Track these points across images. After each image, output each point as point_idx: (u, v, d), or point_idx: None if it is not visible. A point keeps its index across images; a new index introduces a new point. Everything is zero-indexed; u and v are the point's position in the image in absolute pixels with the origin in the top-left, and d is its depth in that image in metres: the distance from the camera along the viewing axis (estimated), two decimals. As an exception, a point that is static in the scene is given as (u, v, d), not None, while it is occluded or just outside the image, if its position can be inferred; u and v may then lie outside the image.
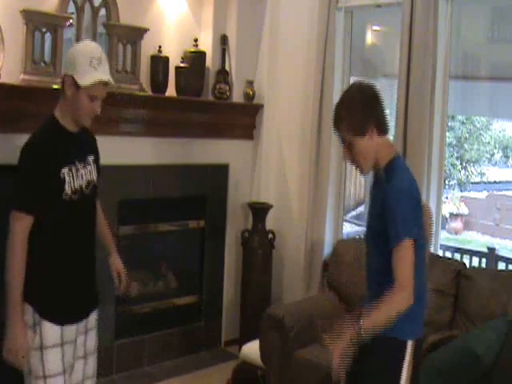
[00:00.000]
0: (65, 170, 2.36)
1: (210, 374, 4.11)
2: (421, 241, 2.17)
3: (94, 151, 2.58)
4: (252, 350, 3.66)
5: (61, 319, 2.38)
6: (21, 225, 2.30)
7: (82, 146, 2.49)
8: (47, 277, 2.39)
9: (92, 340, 2.57)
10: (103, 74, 2.34)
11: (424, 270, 2.26)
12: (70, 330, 2.41)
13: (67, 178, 2.36)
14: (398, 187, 2.12)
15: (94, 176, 2.51)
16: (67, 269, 2.43)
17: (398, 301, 2.06)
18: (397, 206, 2.09)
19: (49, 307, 2.37)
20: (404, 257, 2.07)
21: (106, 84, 2.37)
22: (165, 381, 3.96)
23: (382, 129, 2.20)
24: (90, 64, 2.30)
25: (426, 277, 2.29)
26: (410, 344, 2.16)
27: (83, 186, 2.43)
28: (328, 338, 2.11)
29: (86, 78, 2.29)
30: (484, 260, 5.49)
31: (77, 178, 2.41)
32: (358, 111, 2.15)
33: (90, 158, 2.51)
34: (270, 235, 4.44)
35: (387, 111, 2.27)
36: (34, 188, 2.31)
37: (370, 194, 2.37)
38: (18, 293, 2.30)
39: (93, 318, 2.57)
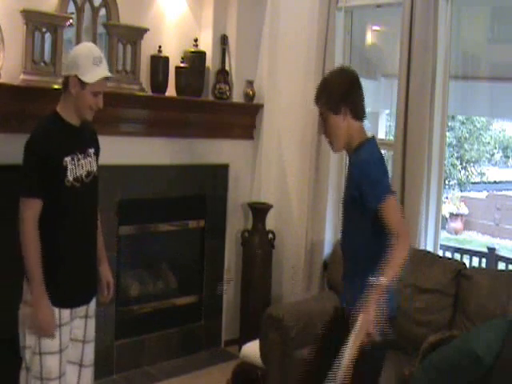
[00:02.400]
0: (67, 159, 2.51)
1: (210, 374, 4.11)
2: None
3: (95, 144, 2.73)
4: (252, 349, 3.66)
5: (62, 302, 2.52)
6: (31, 210, 2.45)
7: (83, 139, 2.64)
8: (50, 261, 2.50)
9: (92, 328, 2.70)
10: (105, 70, 2.56)
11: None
12: (67, 311, 2.55)
13: (69, 166, 2.52)
14: (367, 159, 2.34)
15: (94, 167, 2.66)
16: (69, 254, 2.56)
17: (401, 249, 2.19)
18: (370, 173, 2.30)
19: (50, 290, 2.49)
20: (391, 210, 2.26)
21: (106, 79, 2.60)
22: (165, 381, 3.96)
23: (357, 113, 2.39)
24: (93, 62, 2.49)
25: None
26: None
27: (83, 175, 2.57)
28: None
29: (90, 76, 2.48)
30: (484, 260, 5.49)
31: (78, 166, 2.55)
32: (335, 90, 2.36)
33: (91, 151, 2.66)
34: (270, 235, 4.44)
35: (365, 100, 2.44)
36: (39, 174, 2.45)
37: (346, 179, 2.52)
38: (39, 274, 2.44)
39: (92, 304, 2.71)
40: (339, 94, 2.35)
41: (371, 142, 2.43)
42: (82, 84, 2.48)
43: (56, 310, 2.50)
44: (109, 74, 2.58)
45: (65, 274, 2.55)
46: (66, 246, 2.55)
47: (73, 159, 2.53)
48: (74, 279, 2.58)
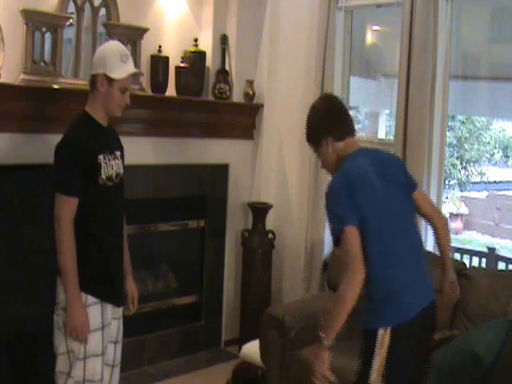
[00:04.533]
0: (101, 157, 2.57)
1: (210, 374, 4.11)
2: (374, 228, 2.25)
3: (120, 147, 2.77)
4: (252, 349, 3.66)
5: (106, 297, 2.58)
6: (69, 208, 2.47)
7: (110, 141, 2.70)
8: (88, 260, 2.53)
9: (121, 329, 2.77)
10: (132, 66, 2.63)
11: (399, 261, 2.31)
12: (107, 313, 2.58)
13: (103, 164, 2.56)
14: (330, 186, 2.33)
15: (121, 169, 2.70)
16: (104, 249, 2.59)
17: (343, 291, 2.19)
18: (326, 206, 2.31)
19: (92, 286, 2.53)
20: (344, 245, 2.22)
21: (133, 75, 2.68)
22: (165, 381, 3.96)
23: (340, 136, 2.41)
24: (120, 59, 2.56)
25: (403, 265, 2.33)
26: (381, 332, 2.24)
27: (113, 175, 2.62)
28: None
29: (118, 72, 2.55)
30: (484, 260, 5.49)
31: (109, 166, 2.60)
32: (312, 126, 2.46)
33: (118, 153, 2.70)
34: (270, 235, 4.44)
35: (348, 119, 2.49)
36: (76, 173, 2.49)
37: None
38: (74, 274, 2.46)
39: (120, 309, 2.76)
40: (316, 129, 2.45)
41: (357, 153, 2.41)
42: (110, 81, 2.54)
43: (99, 309, 2.53)
44: (136, 70, 2.67)
45: (105, 269, 2.60)
46: (100, 243, 2.58)
47: (105, 158, 2.57)
48: (113, 275, 2.64)
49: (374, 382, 2.26)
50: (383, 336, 2.25)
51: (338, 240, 2.27)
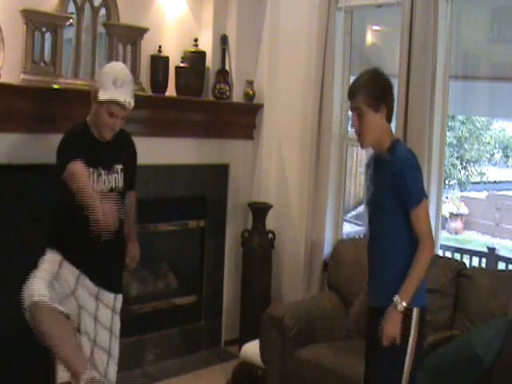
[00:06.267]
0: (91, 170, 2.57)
1: (210, 374, 4.11)
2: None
3: (124, 159, 2.73)
4: (252, 349, 3.66)
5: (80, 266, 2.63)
6: (78, 166, 2.45)
7: (110, 155, 2.66)
8: (70, 233, 2.61)
9: (118, 324, 2.82)
10: (122, 95, 2.54)
11: None
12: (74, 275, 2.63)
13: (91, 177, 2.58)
14: (406, 156, 2.39)
15: (120, 183, 2.69)
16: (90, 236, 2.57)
17: (424, 260, 2.32)
18: (409, 172, 2.35)
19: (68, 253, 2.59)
20: (423, 216, 2.35)
21: (123, 106, 2.56)
22: (165, 381, 3.96)
23: (390, 115, 2.44)
24: (113, 83, 2.52)
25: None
26: (415, 311, 2.37)
27: (104, 190, 2.61)
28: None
29: (104, 94, 2.52)
30: (484, 260, 5.50)
31: (98, 182, 2.58)
32: (377, 88, 2.40)
33: (118, 167, 2.68)
34: (270, 235, 4.44)
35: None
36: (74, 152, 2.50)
37: (371, 178, 2.53)
38: (87, 180, 2.48)
39: (119, 302, 2.81)
40: (382, 92, 2.40)
41: (402, 143, 2.51)
42: (99, 100, 2.54)
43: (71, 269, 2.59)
44: (120, 99, 2.55)
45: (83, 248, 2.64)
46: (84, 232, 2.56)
47: (93, 173, 2.56)
48: (93, 253, 2.65)
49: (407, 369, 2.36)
50: (418, 315, 2.37)
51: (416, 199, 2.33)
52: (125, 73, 2.63)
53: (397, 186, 2.33)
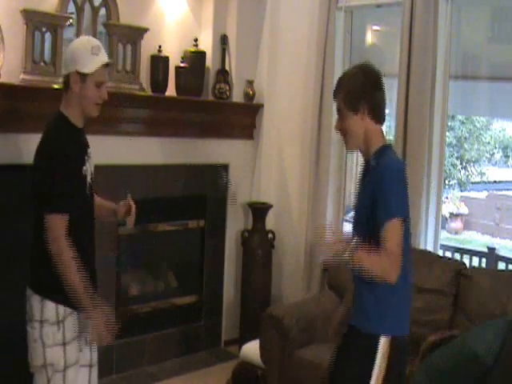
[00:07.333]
0: (85, 167, 2.47)
1: (210, 374, 4.11)
2: (408, 225, 2.14)
3: (88, 144, 2.64)
4: (252, 349, 3.66)
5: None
6: (63, 226, 2.35)
7: (85, 140, 2.58)
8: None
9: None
10: (104, 57, 2.47)
11: (411, 267, 2.22)
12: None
13: (87, 175, 2.48)
14: (391, 166, 2.14)
15: (93, 168, 2.59)
16: (83, 263, 2.45)
17: (385, 266, 2.02)
18: (391, 184, 2.09)
19: (66, 296, 2.40)
20: (394, 232, 2.03)
21: (107, 66, 2.51)
22: (165, 381, 3.96)
23: (377, 115, 2.21)
24: (91, 52, 2.43)
25: (411, 275, 2.24)
26: (383, 340, 2.10)
27: (91, 181, 2.53)
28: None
29: (90, 66, 2.41)
30: (484, 260, 5.49)
31: (89, 174, 2.51)
32: (356, 87, 2.18)
33: (89, 151, 2.57)
34: (270, 235, 4.44)
35: (386, 104, 2.31)
36: (67, 188, 2.37)
37: (359, 185, 2.31)
38: (82, 286, 2.35)
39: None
40: (360, 90, 2.17)
41: (392, 150, 2.24)
42: (83, 77, 2.40)
43: (74, 319, 2.45)
44: (109, 60, 2.50)
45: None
46: (78, 255, 2.43)
47: (86, 167, 2.48)
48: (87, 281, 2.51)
49: None
50: (384, 345, 2.11)
51: (373, 225, 2.06)
52: (93, 39, 2.58)
53: (375, 196, 2.08)
